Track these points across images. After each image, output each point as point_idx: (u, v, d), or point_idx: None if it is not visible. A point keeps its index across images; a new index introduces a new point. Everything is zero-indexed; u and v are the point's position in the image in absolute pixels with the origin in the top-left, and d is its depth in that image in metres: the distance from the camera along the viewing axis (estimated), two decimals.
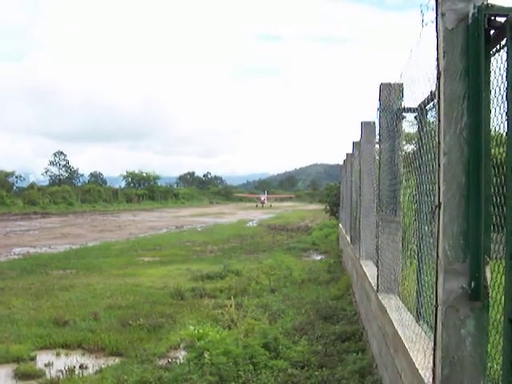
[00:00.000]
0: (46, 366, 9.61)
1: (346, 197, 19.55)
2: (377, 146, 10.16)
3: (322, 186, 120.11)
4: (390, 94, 7.25)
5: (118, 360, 9.77)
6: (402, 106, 6.94)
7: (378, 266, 7.86)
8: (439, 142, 3.54)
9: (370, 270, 9.80)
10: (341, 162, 24.91)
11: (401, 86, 6.99)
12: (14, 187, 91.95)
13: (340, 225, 27.16)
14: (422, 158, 5.36)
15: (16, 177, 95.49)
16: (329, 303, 13.24)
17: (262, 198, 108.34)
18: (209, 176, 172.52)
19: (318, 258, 24.94)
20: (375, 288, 7.81)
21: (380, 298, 7.26)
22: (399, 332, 5.59)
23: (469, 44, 3.41)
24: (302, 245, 29.69)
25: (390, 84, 7.28)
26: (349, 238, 16.79)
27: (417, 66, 5.02)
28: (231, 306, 12.12)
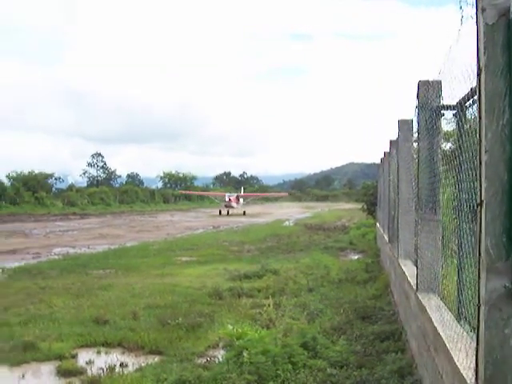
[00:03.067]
0: (87, 363, 9.73)
1: (384, 196, 19.42)
2: (415, 144, 10.09)
3: (358, 185, 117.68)
4: (428, 91, 7.19)
5: (157, 358, 9.84)
6: (441, 103, 6.88)
7: (417, 265, 7.79)
8: (480, 140, 3.50)
9: (408, 269, 9.72)
10: (377, 161, 24.77)
11: (439, 83, 6.93)
12: (54, 189, 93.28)
13: (377, 224, 26.99)
14: (461, 156, 5.30)
15: (55, 178, 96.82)
16: (367, 303, 13.17)
17: (228, 199, 76.01)
18: (245, 176, 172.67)
19: (356, 257, 24.81)
20: (414, 287, 7.74)
21: (420, 297, 7.19)
22: (440, 331, 5.54)
23: (510, 39, 3.37)
24: (339, 244, 29.58)
25: (428, 81, 7.22)
26: (387, 237, 16.68)
27: (456, 62, 4.97)
28: (269, 305, 12.18)
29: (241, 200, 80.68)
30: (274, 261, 21.88)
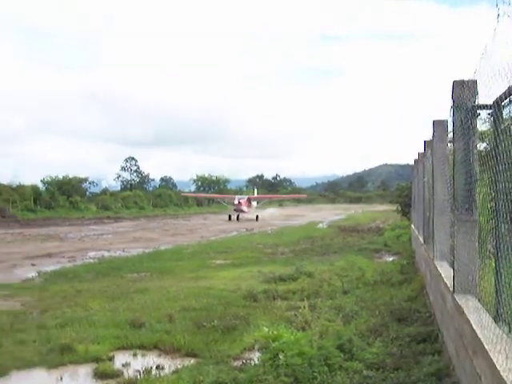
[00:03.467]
0: (123, 366, 9.82)
1: (419, 197, 19.28)
2: (450, 144, 10.01)
3: (392, 186, 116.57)
4: (464, 91, 7.13)
5: (193, 361, 9.88)
6: (476, 102, 6.82)
7: (453, 267, 7.73)
8: None
9: (444, 270, 9.65)
10: (411, 162, 24.59)
11: (474, 82, 6.87)
12: (88, 193, 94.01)
13: (412, 225, 26.81)
14: (498, 156, 5.26)
15: (89, 183, 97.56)
16: (402, 305, 13.10)
17: (237, 202, 65.88)
18: (278, 178, 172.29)
19: (390, 259, 24.66)
20: (451, 289, 7.67)
21: (457, 298, 7.13)
22: (478, 333, 5.48)
23: None
24: (373, 246, 29.44)
25: (463, 81, 7.17)
26: (422, 239, 16.55)
27: (492, 61, 4.93)
28: (305, 307, 12.15)
29: (253, 203, 71.83)
30: (308, 263, 21.82)
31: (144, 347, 10.83)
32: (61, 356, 10.12)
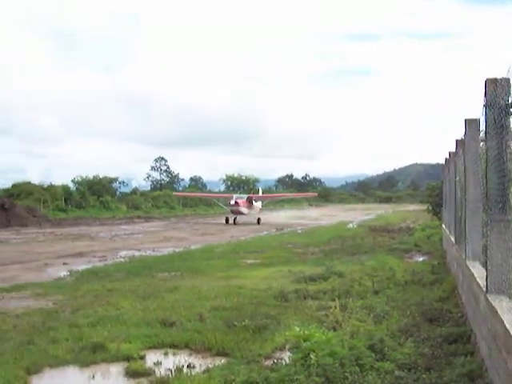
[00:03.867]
0: (154, 364, 9.85)
1: (450, 196, 19.13)
2: (482, 143, 9.93)
3: (422, 186, 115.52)
4: (497, 89, 7.06)
5: (224, 360, 9.88)
6: (510, 101, 6.75)
7: (486, 267, 7.66)
8: None
9: (477, 270, 9.57)
10: (442, 161, 24.42)
11: (508, 80, 6.80)
12: (118, 192, 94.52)
13: (443, 225, 26.62)
14: None
15: (119, 182, 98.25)
16: (434, 305, 13.04)
17: (234, 202, 56.26)
18: (307, 178, 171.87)
19: (421, 259, 24.52)
20: (484, 289, 7.61)
21: (490, 299, 7.07)
22: None
23: None
24: (404, 246, 29.26)
25: (496, 79, 7.10)
26: (453, 239, 16.42)
27: None
28: (336, 307, 12.13)
29: (257, 204, 61.87)
30: (338, 263, 21.76)
31: (175, 346, 10.86)
32: (93, 354, 10.19)
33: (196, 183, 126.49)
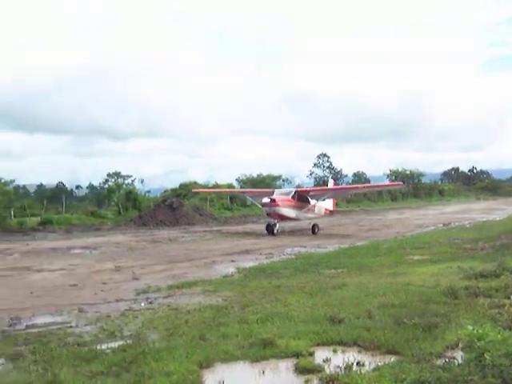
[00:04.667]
0: (324, 361, 9.81)
1: None
2: None
3: None
4: None
5: (393, 358, 9.69)
6: None
7: None
8: None
9: None
10: None
11: None
12: None
13: None
14: None
15: (283, 180, 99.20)
16: None
17: (267, 200, 39.30)
18: (474, 171, 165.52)
19: None
20: None
21: None
22: None
23: None
24: None
25: None
26: None
27: None
28: (510, 305, 11.62)
29: (319, 203, 43.90)
30: (510, 259, 20.76)
31: (344, 343, 10.78)
32: (262, 350, 10.34)
33: (359, 179, 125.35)
